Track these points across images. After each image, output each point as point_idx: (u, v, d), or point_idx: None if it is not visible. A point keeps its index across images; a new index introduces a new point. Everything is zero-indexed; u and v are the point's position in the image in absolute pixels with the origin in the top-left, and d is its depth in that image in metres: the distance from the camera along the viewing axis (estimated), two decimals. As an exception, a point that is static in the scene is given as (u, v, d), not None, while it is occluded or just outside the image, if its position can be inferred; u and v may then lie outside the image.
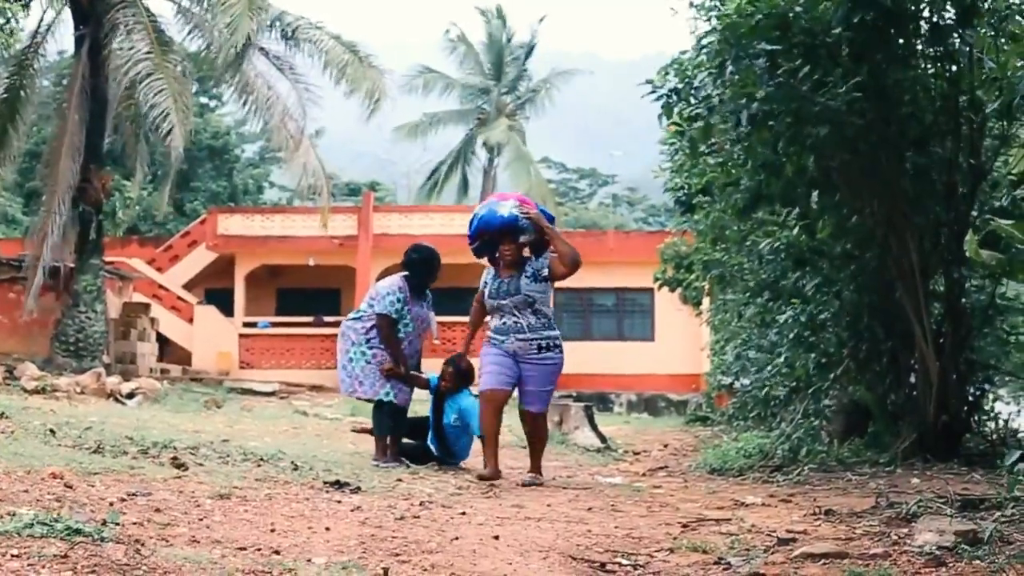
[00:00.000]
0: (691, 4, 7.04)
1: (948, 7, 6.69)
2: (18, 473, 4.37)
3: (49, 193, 16.46)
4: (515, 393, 6.49)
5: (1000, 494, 4.80)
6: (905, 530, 4.16)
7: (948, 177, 7.06)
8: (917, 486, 5.65)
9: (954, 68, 6.94)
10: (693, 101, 7.30)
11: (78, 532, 3.07)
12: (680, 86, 7.37)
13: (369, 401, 7.17)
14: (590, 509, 5.12)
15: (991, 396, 8.42)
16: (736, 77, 6.75)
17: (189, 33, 17.74)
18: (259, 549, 3.31)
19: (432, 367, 7.60)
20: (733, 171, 7.87)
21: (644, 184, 44.48)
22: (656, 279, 15.30)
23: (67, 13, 17.49)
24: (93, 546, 2.96)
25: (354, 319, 7.16)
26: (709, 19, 6.89)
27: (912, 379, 7.51)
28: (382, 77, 18.23)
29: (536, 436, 6.61)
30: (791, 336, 8.70)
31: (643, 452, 10.62)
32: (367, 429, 7.65)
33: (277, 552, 3.28)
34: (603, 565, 3.70)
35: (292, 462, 6.15)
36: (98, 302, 16.84)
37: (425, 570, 3.28)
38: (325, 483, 5.27)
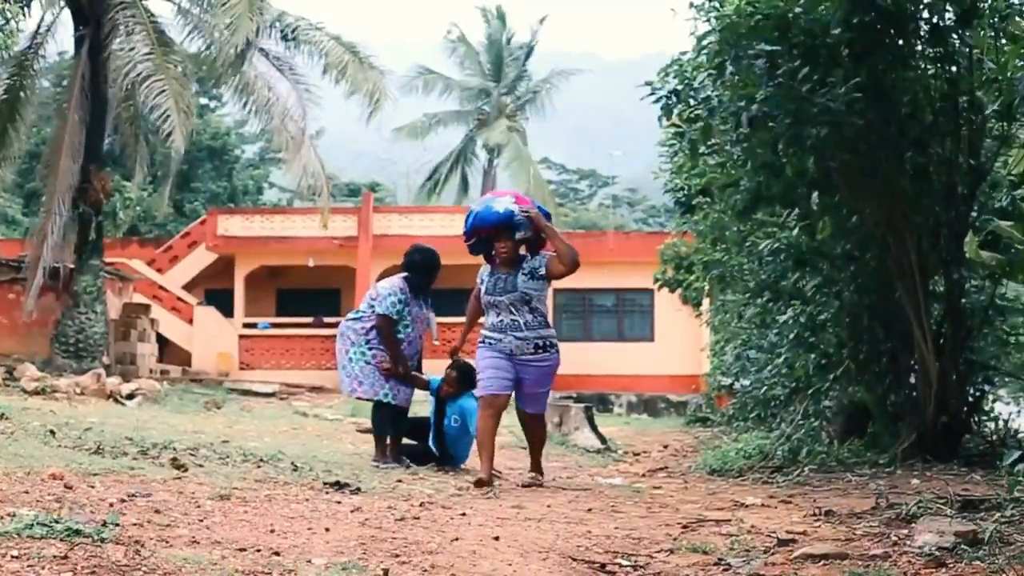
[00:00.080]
0: (691, 4, 7.03)
1: (948, 8, 6.69)
2: (18, 474, 4.37)
3: (49, 194, 16.48)
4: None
5: (1000, 495, 4.81)
6: (905, 531, 4.16)
7: (948, 177, 7.06)
8: (917, 487, 5.64)
9: (954, 69, 6.94)
10: (693, 102, 7.30)
11: (78, 533, 3.07)
12: (679, 87, 7.37)
13: (369, 401, 7.18)
14: (590, 510, 5.12)
15: (991, 396, 8.43)
16: (736, 78, 6.75)
17: (189, 34, 17.75)
18: (259, 550, 3.30)
19: (432, 367, 7.60)
20: (733, 172, 7.86)
21: (644, 185, 44.45)
22: (656, 280, 15.29)
23: (67, 14, 17.50)
24: (93, 547, 2.97)
25: (353, 319, 7.16)
26: (708, 19, 6.88)
27: (912, 379, 7.51)
28: (382, 78, 18.25)
29: (535, 436, 6.61)
30: (791, 337, 8.70)
31: (643, 453, 10.62)
32: (370, 430, 7.65)
33: (277, 553, 3.28)
34: (603, 566, 3.70)
35: (292, 463, 6.16)
36: (98, 303, 16.84)
37: (425, 571, 3.28)
38: (325, 484, 5.26)
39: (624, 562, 3.77)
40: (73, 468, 4.74)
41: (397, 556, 3.45)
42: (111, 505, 3.87)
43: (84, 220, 16.74)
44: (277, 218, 25.77)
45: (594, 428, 10.78)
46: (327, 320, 23.62)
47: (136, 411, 11.01)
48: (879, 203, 7.24)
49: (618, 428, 14.60)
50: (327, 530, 3.82)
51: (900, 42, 6.90)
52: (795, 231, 8.02)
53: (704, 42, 6.86)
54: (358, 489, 5.17)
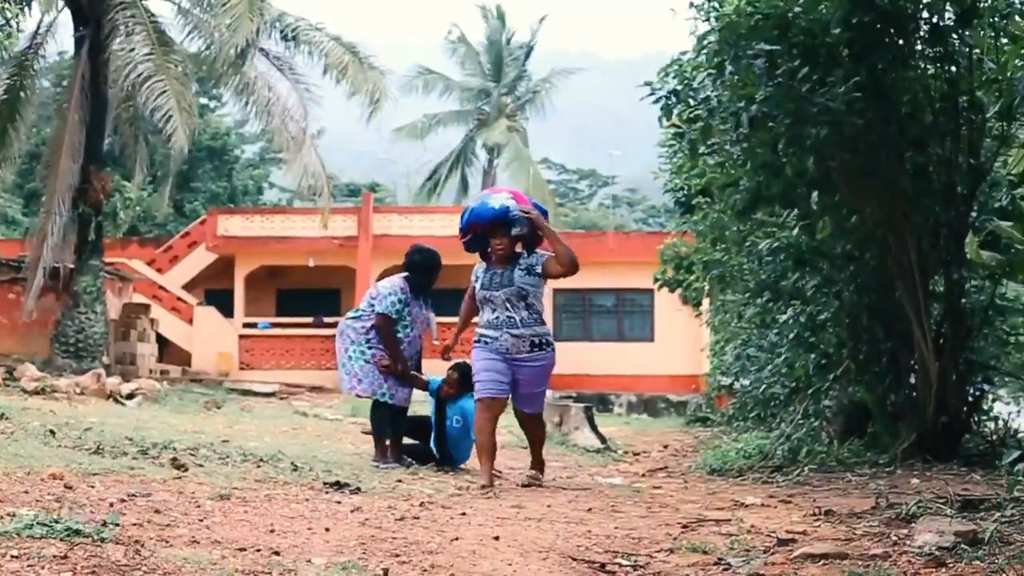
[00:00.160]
0: (691, 4, 7.03)
1: (948, 8, 6.69)
2: (18, 474, 4.38)
3: (49, 194, 16.48)
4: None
5: (1000, 495, 4.81)
6: (905, 531, 4.17)
7: (948, 177, 7.07)
8: (917, 487, 5.65)
9: (954, 69, 6.94)
10: (692, 102, 7.30)
11: (78, 533, 3.07)
12: (679, 87, 7.37)
13: (368, 399, 7.17)
14: (590, 510, 5.12)
15: (991, 396, 8.43)
16: (735, 78, 6.75)
17: (189, 34, 17.77)
18: (259, 550, 3.31)
19: (432, 367, 7.60)
20: (732, 172, 7.86)
21: (644, 185, 44.43)
22: (656, 280, 15.29)
23: (67, 14, 17.51)
24: (93, 547, 2.97)
25: (353, 318, 7.16)
26: (708, 19, 6.88)
27: (912, 379, 7.51)
28: (382, 78, 18.26)
29: (535, 435, 6.61)
30: (791, 336, 8.69)
31: (643, 453, 10.63)
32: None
33: (277, 553, 3.28)
34: (603, 566, 3.70)
35: (292, 463, 6.16)
36: (98, 303, 16.85)
37: (425, 571, 3.28)
38: (325, 484, 5.27)
39: (624, 562, 3.77)
40: (73, 468, 4.74)
41: (397, 556, 3.45)
42: (111, 505, 3.87)
43: (84, 220, 16.74)
44: (277, 218, 25.77)
45: (594, 428, 10.77)
46: (327, 320, 23.61)
47: (136, 411, 11.01)
48: (879, 203, 7.24)
49: (618, 428, 14.60)
50: (327, 530, 3.83)
51: (900, 42, 6.89)
52: (795, 231, 8.02)
53: (704, 42, 6.85)
54: (358, 489, 5.17)
